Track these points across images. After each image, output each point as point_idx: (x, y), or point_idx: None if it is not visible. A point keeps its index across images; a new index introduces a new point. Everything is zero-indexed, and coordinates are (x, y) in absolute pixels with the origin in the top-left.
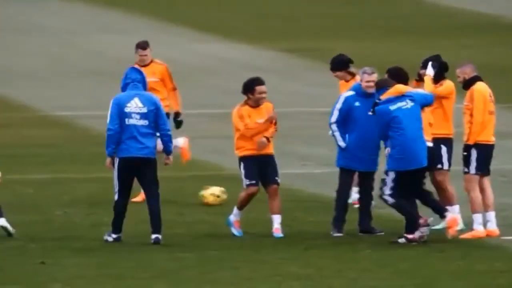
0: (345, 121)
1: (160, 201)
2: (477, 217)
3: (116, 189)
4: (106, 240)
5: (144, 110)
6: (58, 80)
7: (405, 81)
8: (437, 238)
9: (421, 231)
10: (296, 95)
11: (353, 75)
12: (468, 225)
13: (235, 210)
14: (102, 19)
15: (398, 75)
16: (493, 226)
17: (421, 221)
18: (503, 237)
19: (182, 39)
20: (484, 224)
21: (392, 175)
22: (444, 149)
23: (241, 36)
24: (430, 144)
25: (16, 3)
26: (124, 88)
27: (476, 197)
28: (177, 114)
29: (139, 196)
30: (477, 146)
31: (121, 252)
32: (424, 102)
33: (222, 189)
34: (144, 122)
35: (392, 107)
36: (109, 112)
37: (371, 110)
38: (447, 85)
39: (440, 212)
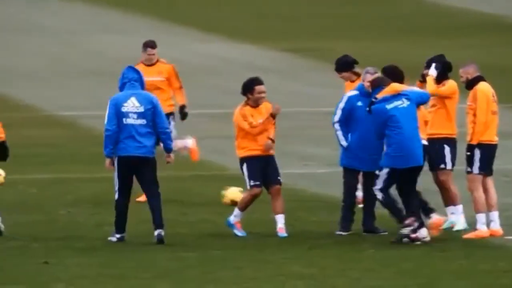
0: (348, 120)
1: (161, 200)
2: (481, 217)
3: (116, 187)
4: (110, 241)
5: (141, 109)
6: (58, 80)
7: (400, 80)
8: (440, 238)
9: (405, 231)
10: (296, 95)
11: (358, 75)
12: (472, 225)
13: (237, 211)
14: (102, 19)
15: (393, 74)
16: (496, 226)
17: (407, 221)
18: (506, 237)
19: (183, 39)
20: (488, 224)
21: (385, 171)
22: (447, 149)
23: (242, 36)
24: (425, 142)
25: (16, 3)
26: (121, 88)
27: (479, 197)
28: (182, 107)
29: (143, 196)
30: (480, 146)
31: (123, 252)
32: (420, 101)
33: (241, 189)
34: (142, 121)
35: (389, 106)
36: (107, 112)
37: (368, 108)
38: (450, 85)
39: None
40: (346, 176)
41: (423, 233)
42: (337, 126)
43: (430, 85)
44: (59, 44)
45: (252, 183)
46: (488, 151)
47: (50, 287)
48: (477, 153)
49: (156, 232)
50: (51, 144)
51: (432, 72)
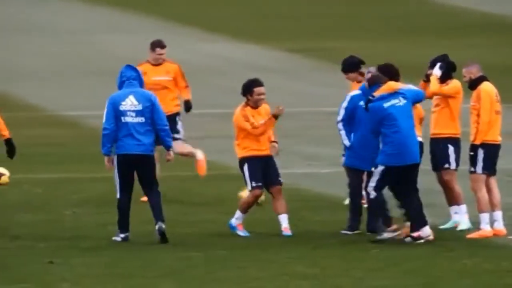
0: (351, 120)
1: (161, 198)
2: (484, 217)
3: (118, 186)
4: (115, 241)
5: (139, 107)
6: (58, 80)
7: (396, 78)
8: (444, 238)
9: (386, 235)
10: (300, 95)
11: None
12: (475, 225)
13: (239, 213)
14: (105, 19)
15: (389, 72)
16: (500, 226)
17: (393, 227)
18: (510, 237)
19: (187, 39)
20: (491, 224)
21: (380, 169)
22: (451, 149)
23: (246, 36)
24: (420, 139)
25: (16, 3)
26: (120, 86)
27: (483, 197)
28: (187, 101)
29: None
30: (483, 145)
31: (128, 251)
32: (416, 99)
33: None
34: (140, 119)
35: (386, 104)
36: (105, 111)
37: (364, 106)
38: (454, 84)
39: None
40: (349, 176)
41: (426, 231)
42: (340, 125)
43: (434, 85)
44: (59, 44)
45: (254, 184)
46: (492, 151)
47: (55, 286)
48: (481, 153)
49: (157, 226)
50: (56, 144)
51: (436, 72)
